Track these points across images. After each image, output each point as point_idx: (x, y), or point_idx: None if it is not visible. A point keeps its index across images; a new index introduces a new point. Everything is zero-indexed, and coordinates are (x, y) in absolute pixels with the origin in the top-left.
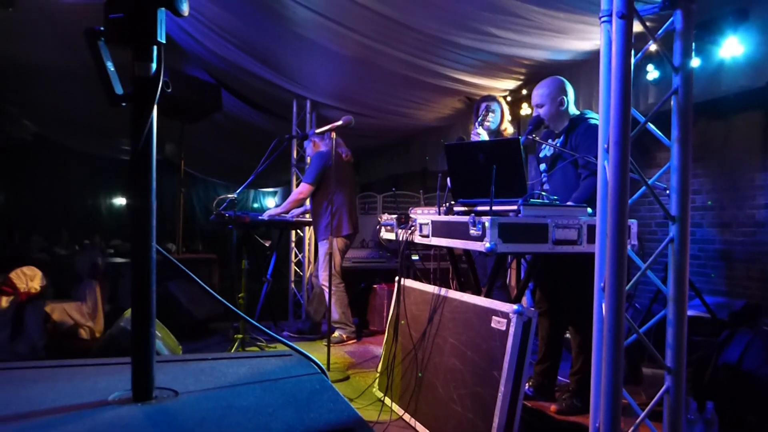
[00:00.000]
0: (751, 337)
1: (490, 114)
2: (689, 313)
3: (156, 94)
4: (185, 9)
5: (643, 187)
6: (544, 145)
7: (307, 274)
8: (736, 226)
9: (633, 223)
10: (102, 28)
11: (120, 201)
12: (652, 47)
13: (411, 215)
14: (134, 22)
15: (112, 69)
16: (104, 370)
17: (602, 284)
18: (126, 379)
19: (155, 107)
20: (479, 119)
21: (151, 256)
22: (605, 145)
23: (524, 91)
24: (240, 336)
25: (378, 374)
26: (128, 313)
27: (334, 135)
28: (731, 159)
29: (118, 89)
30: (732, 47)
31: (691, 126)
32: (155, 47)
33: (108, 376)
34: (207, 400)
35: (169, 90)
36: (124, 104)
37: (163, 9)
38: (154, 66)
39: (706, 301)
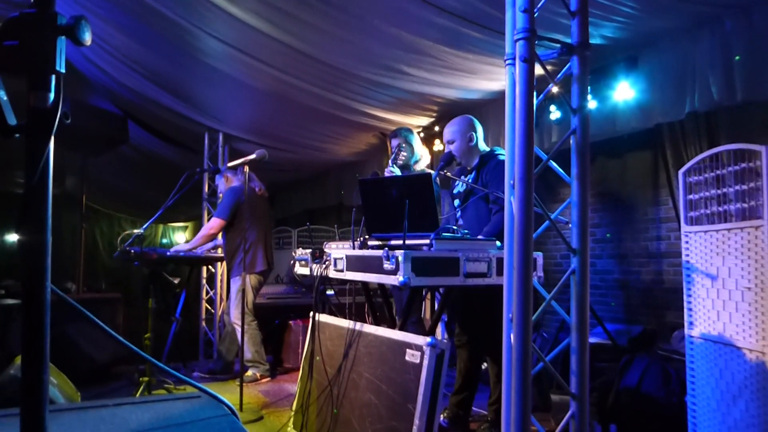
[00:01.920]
0: (648, 361)
1: (407, 147)
2: (592, 340)
3: (53, 126)
4: (87, 38)
5: (547, 221)
6: (457, 181)
7: (219, 312)
8: (632, 257)
9: (539, 256)
10: None
11: (12, 237)
12: (554, 89)
13: (326, 250)
14: (30, 51)
15: (5, 98)
16: None
17: (510, 315)
18: None
19: (52, 139)
20: (393, 156)
21: (45, 294)
22: (511, 181)
23: (437, 128)
24: (146, 379)
25: (293, 412)
26: (19, 359)
27: (247, 169)
28: (627, 194)
29: (11, 119)
30: (624, 92)
31: (588, 163)
32: (53, 77)
33: None
34: None
35: (68, 121)
36: (17, 135)
37: (63, 37)
38: (51, 96)
39: (608, 329)
